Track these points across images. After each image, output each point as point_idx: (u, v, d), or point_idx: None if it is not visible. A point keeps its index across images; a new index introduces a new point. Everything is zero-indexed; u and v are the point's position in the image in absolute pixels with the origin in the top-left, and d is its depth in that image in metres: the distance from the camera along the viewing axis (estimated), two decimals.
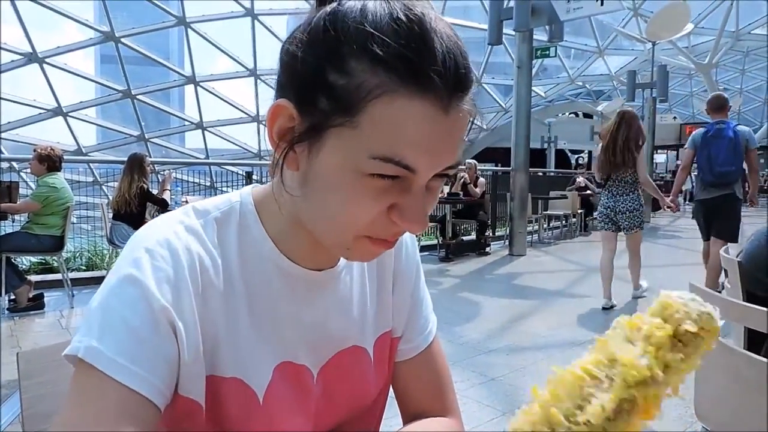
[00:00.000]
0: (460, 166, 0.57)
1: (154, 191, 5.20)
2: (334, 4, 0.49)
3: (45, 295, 4.48)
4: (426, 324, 0.75)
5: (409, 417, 0.73)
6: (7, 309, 4.24)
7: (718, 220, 4.42)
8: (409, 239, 0.76)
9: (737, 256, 1.93)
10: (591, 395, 0.39)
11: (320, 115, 0.49)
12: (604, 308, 4.58)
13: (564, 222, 10.18)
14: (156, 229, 0.56)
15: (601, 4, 7.27)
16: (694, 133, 4.54)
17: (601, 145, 4.54)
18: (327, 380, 0.65)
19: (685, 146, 4.59)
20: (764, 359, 1.27)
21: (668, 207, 4.71)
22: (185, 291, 0.54)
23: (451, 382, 0.76)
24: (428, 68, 0.46)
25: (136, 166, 4.92)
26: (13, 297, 4.30)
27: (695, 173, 4.75)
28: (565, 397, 0.40)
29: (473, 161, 7.91)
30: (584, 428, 0.38)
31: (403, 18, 0.46)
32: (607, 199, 4.56)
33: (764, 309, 1.34)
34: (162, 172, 6.77)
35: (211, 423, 0.58)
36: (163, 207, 5.14)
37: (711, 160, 4.24)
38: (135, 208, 4.82)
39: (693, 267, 6.61)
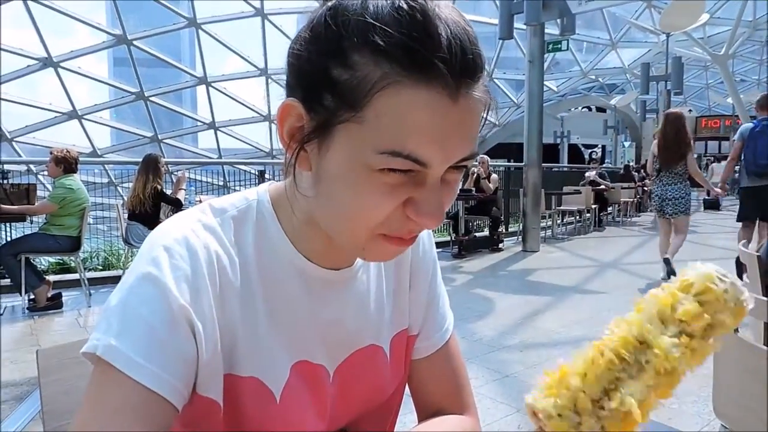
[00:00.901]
0: (473, 161, 0.56)
1: (168, 191, 5.25)
2: None
3: (63, 294, 4.55)
4: (443, 321, 0.75)
5: (425, 414, 0.73)
6: (27, 308, 4.32)
7: (765, 207, 4.81)
8: (426, 235, 0.75)
9: (757, 251, 1.90)
10: (620, 380, 0.39)
11: (327, 113, 0.48)
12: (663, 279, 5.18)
13: (578, 217, 10.09)
14: (174, 227, 0.56)
15: None
16: (742, 127, 5.03)
17: (655, 142, 5.26)
18: (343, 379, 0.65)
19: (734, 138, 5.13)
20: None
21: (717, 193, 5.57)
22: (204, 290, 0.54)
23: (467, 380, 0.76)
24: (432, 55, 0.44)
25: (151, 166, 4.97)
26: (32, 296, 4.38)
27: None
28: (593, 381, 0.39)
29: (485, 156, 7.87)
30: (610, 414, 0.38)
31: (405, 6, 0.45)
32: (658, 188, 5.24)
33: None
34: (176, 173, 6.84)
35: (228, 422, 0.58)
36: (177, 207, 5.18)
37: (755, 153, 4.74)
38: (149, 208, 4.87)
39: (709, 262, 6.52)
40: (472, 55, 0.46)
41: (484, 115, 0.51)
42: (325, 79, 0.48)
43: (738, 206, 5.19)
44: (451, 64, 0.45)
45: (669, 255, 5.14)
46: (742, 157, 4.93)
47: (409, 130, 0.46)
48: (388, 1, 0.46)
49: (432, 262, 0.75)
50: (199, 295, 0.53)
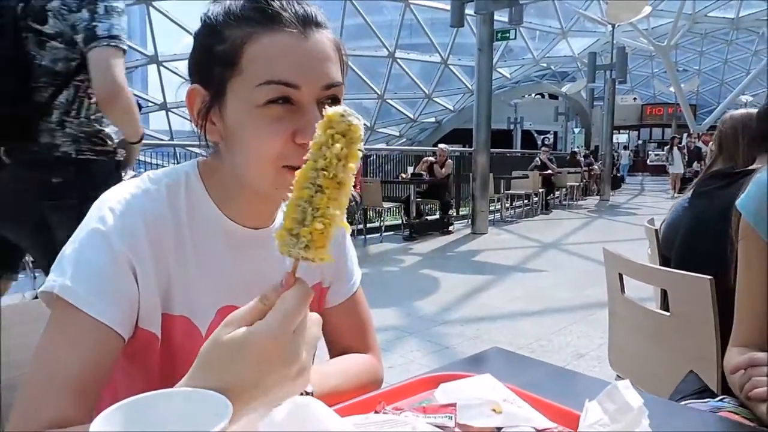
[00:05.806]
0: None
1: None
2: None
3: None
4: (351, 276, 0.90)
5: (335, 354, 0.88)
6: None
7: None
8: None
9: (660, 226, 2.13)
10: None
11: (217, 80, 0.65)
12: None
13: (526, 201, 10.50)
14: (118, 191, 0.69)
15: None
16: None
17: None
18: None
19: None
20: (663, 312, 1.47)
21: None
22: (142, 242, 0.66)
23: (372, 326, 0.92)
24: (275, 8, 0.63)
25: None
26: None
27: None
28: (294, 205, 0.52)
29: (446, 146, 8.21)
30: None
31: None
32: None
33: (666, 269, 1.53)
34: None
35: (164, 353, 0.71)
36: None
37: None
38: None
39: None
40: (309, 8, 0.66)
41: (344, 61, 0.69)
42: (211, 57, 0.65)
43: None
44: (292, 11, 0.64)
45: None
46: None
47: (274, 62, 0.62)
48: None
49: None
50: (138, 246, 0.66)
